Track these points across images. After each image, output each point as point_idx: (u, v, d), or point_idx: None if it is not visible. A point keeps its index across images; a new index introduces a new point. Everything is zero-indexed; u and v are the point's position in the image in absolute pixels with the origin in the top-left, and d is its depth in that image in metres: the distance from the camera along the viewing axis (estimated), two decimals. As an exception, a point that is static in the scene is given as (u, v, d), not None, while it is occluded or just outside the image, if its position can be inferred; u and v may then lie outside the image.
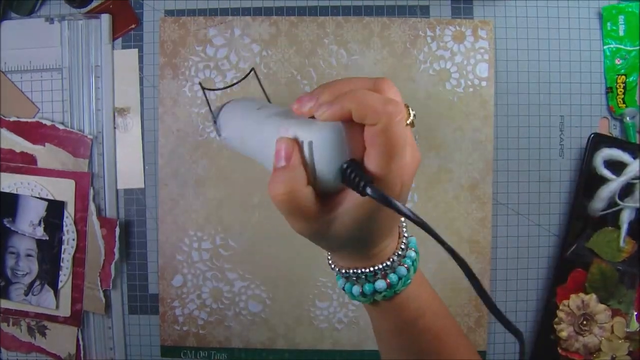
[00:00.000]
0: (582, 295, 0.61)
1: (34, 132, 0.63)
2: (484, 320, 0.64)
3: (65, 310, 0.63)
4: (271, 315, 0.64)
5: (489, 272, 0.64)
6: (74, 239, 0.62)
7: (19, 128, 0.63)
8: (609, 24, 0.64)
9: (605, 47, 0.64)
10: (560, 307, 0.61)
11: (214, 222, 0.64)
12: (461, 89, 0.63)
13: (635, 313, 0.61)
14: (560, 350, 0.62)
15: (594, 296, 0.61)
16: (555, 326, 0.61)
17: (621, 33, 0.64)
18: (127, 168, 0.65)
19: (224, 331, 0.64)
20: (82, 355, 0.64)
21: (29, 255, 0.62)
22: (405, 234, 0.43)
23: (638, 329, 0.60)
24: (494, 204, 0.64)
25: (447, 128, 0.63)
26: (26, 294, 0.62)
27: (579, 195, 0.62)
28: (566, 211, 0.64)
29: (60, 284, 0.63)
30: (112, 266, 0.62)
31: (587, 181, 0.62)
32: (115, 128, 0.64)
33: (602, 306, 0.61)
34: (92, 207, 0.62)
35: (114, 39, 0.64)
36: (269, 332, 0.64)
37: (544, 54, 0.64)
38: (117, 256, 0.62)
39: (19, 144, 0.63)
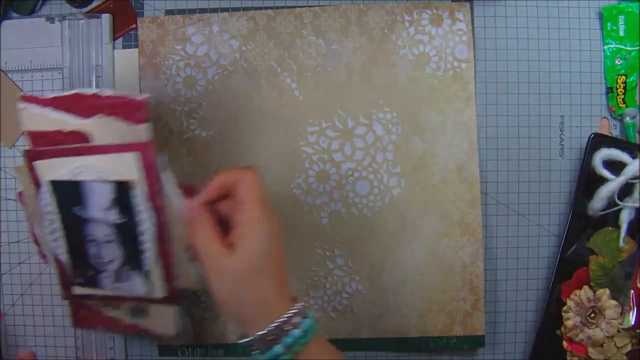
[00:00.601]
0: (596, 288, 0.62)
1: (76, 105, 0.54)
2: (481, 304, 0.64)
3: (159, 291, 0.58)
4: None
5: (481, 254, 0.64)
6: (151, 216, 0.55)
7: (61, 104, 0.54)
8: (609, 24, 0.64)
9: (605, 47, 0.65)
10: (571, 297, 0.62)
11: None
12: (441, 71, 0.64)
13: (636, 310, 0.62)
14: (565, 341, 0.62)
15: (607, 291, 0.61)
16: (563, 314, 0.62)
17: (621, 33, 0.64)
18: (128, 167, 0.64)
19: (219, 327, 0.65)
20: (189, 330, 0.64)
21: (108, 241, 0.56)
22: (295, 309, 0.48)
23: (632, 326, 0.61)
24: (494, 204, 0.65)
25: (429, 112, 0.64)
26: (115, 281, 0.58)
27: (579, 195, 0.63)
28: (566, 211, 0.64)
29: (147, 266, 0.57)
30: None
31: (587, 181, 0.62)
32: (115, 128, 0.64)
33: (613, 302, 0.61)
34: (165, 176, 0.54)
35: (114, 39, 0.65)
36: None
37: (544, 53, 0.65)
38: None
39: (65, 121, 0.54)
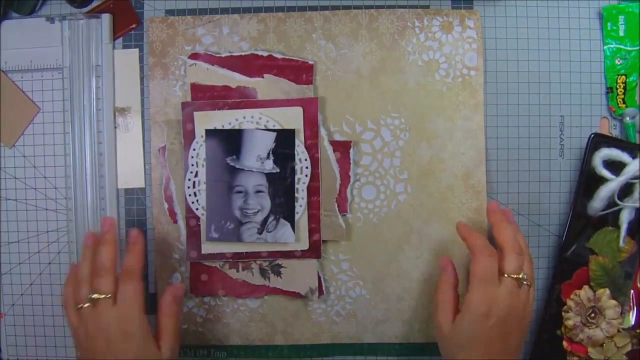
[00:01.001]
0: (596, 288, 0.62)
1: (249, 65, 0.64)
2: None
3: (303, 243, 0.63)
4: (269, 310, 0.65)
5: None
6: (307, 167, 0.62)
7: (232, 63, 0.64)
8: (609, 24, 0.65)
9: (605, 47, 0.65)
10: (572, 297, 0.62)
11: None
12: (450, 79, 0.65)
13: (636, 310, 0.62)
14: (565, 341, 0.63)
15: (607, 291, 0.62)
16: (563, 314, 0.63)
17: (621, 33, 0.65)
18: (128, 168, 0.66)
19: (222, 328, 0.66)
20: (322, 287, 0.64)
21: (259, 191, 0.61)
22: None
23: (632, 326, 0.62)
24: (494, 203, 0.66)
25: (438, 118, 0.65)
26: (260, 232, 0.62)
27: (579, 195, 0.63)
28: (566, 211, 0.65)
29: (296, 216, 0.62)
30: (348, 190, 0.63)
31: (587, 181, 0.63)
32: (115, 127, 0.65)
33: (613, 302, 0.61)
34: (322, 132, 0.63)
35: (114, 39, 0.65)
36: (267, 327, 0.66)
37: (544, 54, 0.65)
38: (352, 179, 0.64)
39: (234, 78, 0.63)
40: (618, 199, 0.61)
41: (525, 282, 0.54)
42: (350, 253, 0.65)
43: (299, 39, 0.64)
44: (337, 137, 0.64)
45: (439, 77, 0.65)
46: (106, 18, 0.64)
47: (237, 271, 0.64)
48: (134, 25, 0.65)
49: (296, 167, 0.62)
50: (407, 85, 0.65)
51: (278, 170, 0.62)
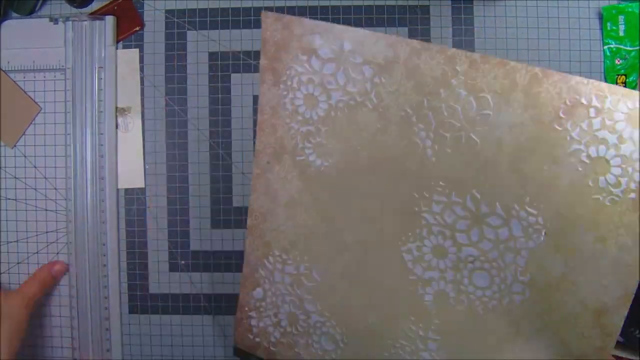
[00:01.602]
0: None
1: None
2: None
3: None
4: (342, 358, 0.61)
5: None
6: None
7: None
8: (609, 24, 0.66)
9: (605, 47, 0.67)
10: None
11: (301, 249, 0.60)
12: (620, 190, 0.50)
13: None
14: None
15: None
16: None
17: (621, 33, 0.66)
18: (128, 168, 0.67)
19: (293, 356, 0.63)
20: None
21: None
22: None
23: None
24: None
25: (587, 236, 0.52)
26: None
27: (580, 195, 0.63)
28: (567, 211, 0.65)
29: None
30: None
31: (588, 181, 0.63)
32: (116, 128, 0.67)
33: None
34: None
35: (117, 41, 0.67)
36: None
37: (544, 54, 0.67)
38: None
39: None
40: (620, 199, 0.61)
41: None
42: (442, 335, 0.58)
43: (433, 80, 0.53)
44: (458, 211, 0.54)
45: (604, 184, 0.50)
46: (110, 20, 0.66)
47: None
48: (137, 28, 0.67)
49: None
50: (558, 181, 0.51)
51: None
